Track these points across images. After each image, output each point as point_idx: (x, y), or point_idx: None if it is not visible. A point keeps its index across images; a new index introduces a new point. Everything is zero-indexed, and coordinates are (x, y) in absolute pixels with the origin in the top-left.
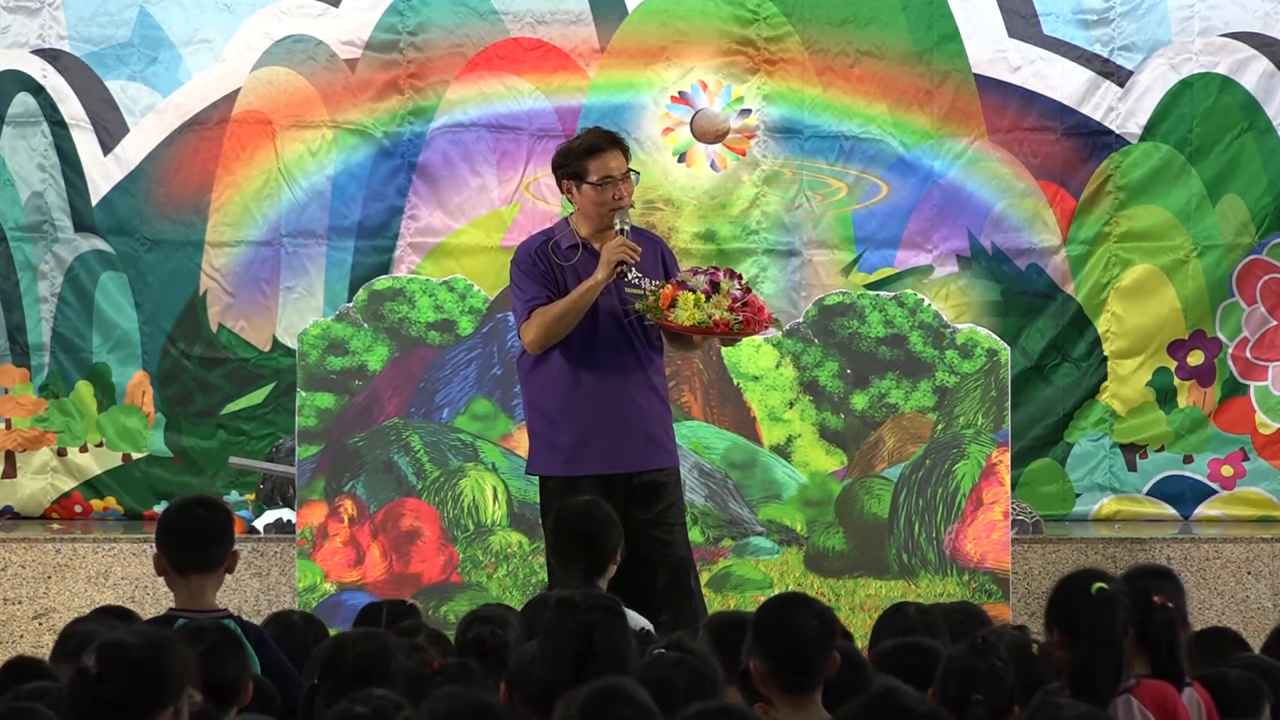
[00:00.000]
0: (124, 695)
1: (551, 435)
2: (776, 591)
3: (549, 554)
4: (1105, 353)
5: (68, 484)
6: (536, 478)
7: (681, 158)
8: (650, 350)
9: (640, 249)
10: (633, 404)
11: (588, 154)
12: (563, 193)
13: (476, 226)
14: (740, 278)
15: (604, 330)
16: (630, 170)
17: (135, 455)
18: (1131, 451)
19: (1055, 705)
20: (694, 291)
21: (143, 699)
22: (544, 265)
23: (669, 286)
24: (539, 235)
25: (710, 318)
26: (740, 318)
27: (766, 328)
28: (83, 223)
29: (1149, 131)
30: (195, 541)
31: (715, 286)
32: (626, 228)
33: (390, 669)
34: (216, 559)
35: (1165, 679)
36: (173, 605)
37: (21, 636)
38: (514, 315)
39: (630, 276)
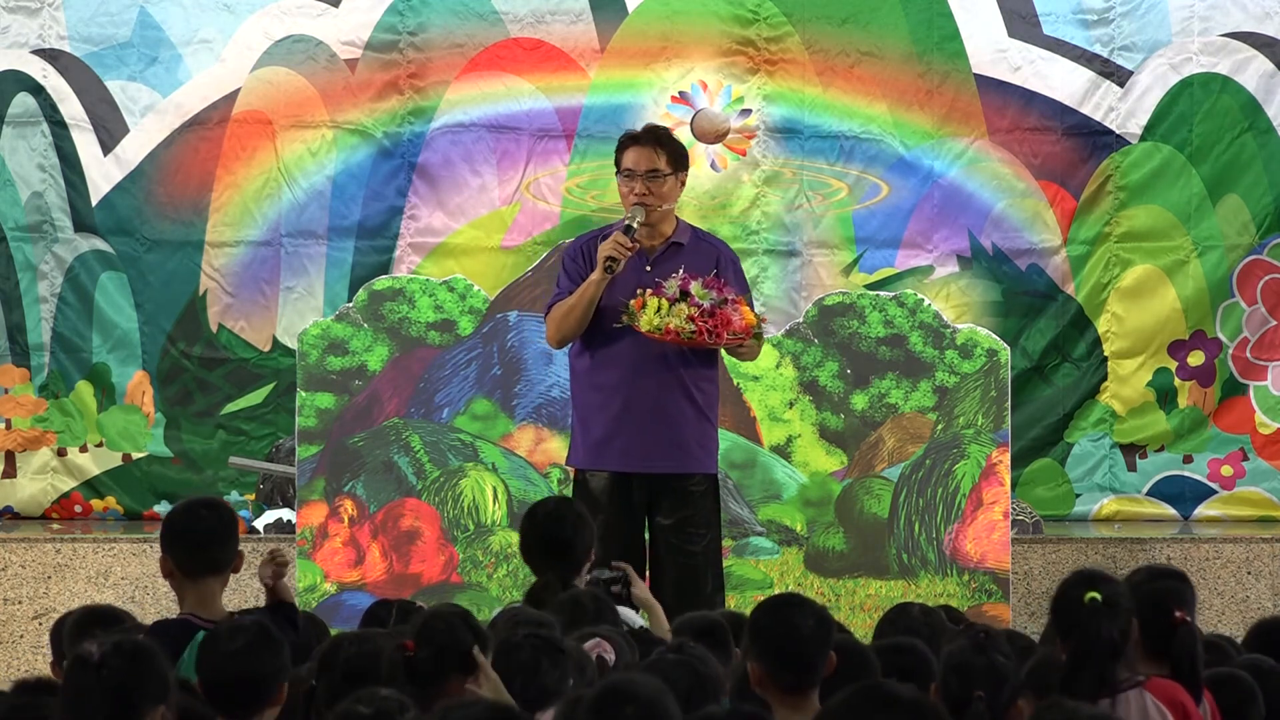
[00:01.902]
0: (123, 684)
1: (582, 429)
2: (776, 591)
3: (522, 555)
4: (1105, 353)
5: (68, 484)
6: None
7: None
8: (688, 356)
9: (633, 245)
10: (659, 406)
11: (624, 144)
12: None
13: (476, 226)
14: (722, 287)
15: (636, 331)
16: (655, 170)
17: (135, 455)
18: (1131, 452)
19: (1064, 705)
20: (662, 297)
21: (139, 691)
22: (582, 261)
23: (648, 292)
24: (598, 229)
25: (665, 325)
26: (693, 329)
27: (724, 340)
28: (83, 223)
29: (1149, 131)
30: (203, 543)
31: (683, 294)
32: (634, 224)
33: (382, 668)
34: (225, 560)
35: (1184, 688)
36: (183, 611)
37: (21, 636)
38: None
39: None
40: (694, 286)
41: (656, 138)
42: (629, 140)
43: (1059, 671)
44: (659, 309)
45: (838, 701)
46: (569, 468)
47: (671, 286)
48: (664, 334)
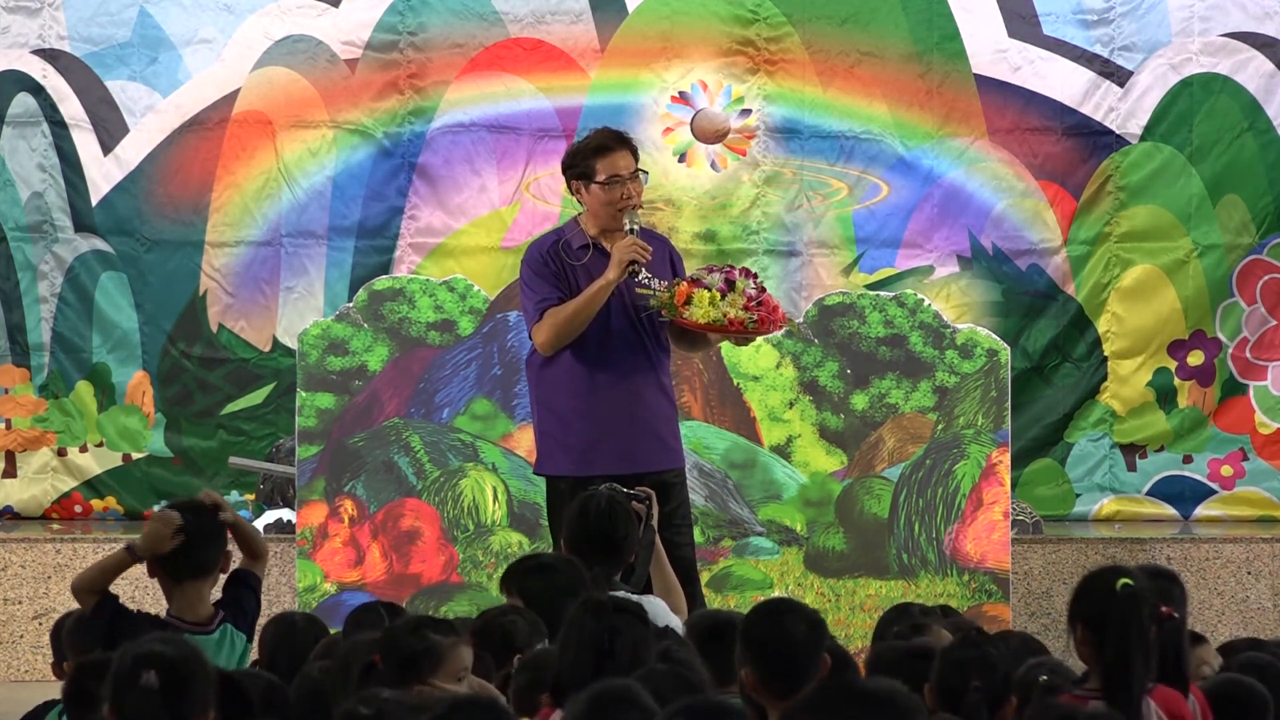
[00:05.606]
0: (178, 705)
1: (564, 435)
2: (776, 592)
3: (566, 548)
4: (1105, 353)
5: (68, 484)
6: (541, 477)
7: (682, 158)
8: (660, 351)
9: (650, 248)
10: (644, 404)
11: (596, 154)
12: (571, 193)
13: (477, 226)
14: (755, 276)
15: (617, 330)
16: (639, 170)
17: (135, 455)
18: (1131, 451)
19: (1057, 705)
20: (709, 289)
21: (191, 704)
22: (555, 265)
23: (684, 284)
24: (550, 235)
25: (725, 315)
26: (755, 317)
27: (781, 327)
28: (83, 223)
29: (1149, 132)
30: (187, 548)
31: (730, 285)
32: (636, 227)
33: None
34: (210, 563)
35: (1168, 685)
36: (169, 611)
37: (21, 636)
38: (524, 316)
39: (641, 276)
40: (738, 276)
41: (625, 140)
42: (602, 149)
43: (1099, 665)
44: (712, 300)
45: (805, 698)
46: (540, 476)
47: (715, 279)
48: (728, 324)
